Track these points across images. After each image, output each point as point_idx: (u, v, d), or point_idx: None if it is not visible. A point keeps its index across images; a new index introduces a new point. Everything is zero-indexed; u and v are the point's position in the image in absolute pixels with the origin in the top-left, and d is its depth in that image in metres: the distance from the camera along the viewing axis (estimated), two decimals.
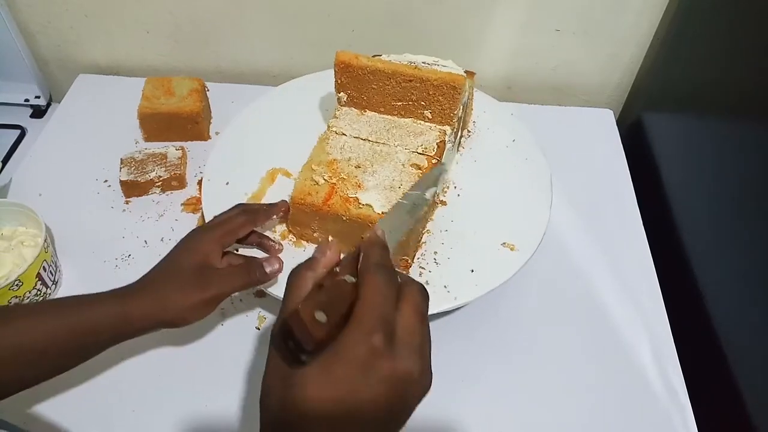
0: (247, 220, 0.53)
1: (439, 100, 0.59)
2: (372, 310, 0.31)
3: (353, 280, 0.33)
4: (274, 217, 0.57)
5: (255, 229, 0.55)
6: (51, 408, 0.56)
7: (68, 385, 0.58)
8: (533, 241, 0.58)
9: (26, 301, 0.60)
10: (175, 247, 0.51)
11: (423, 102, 0.59)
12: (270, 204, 0.58)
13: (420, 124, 0.61)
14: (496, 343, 0.62)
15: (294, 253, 0.58)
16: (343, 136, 0.60)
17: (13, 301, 0.59)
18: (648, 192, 0.76)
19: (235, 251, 0.56)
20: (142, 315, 0.47)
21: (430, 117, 0.60)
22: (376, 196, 0.54)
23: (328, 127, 0.61)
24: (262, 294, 0.65)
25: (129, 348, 0.60)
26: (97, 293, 0.48)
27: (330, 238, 0.57)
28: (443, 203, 0.62)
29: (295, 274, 0.35)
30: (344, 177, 0.56)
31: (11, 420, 0.54)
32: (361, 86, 0.60)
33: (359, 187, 0.55)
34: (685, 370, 0.61)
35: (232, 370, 0.59)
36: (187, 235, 0.52)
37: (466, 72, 0.62)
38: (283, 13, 0.84)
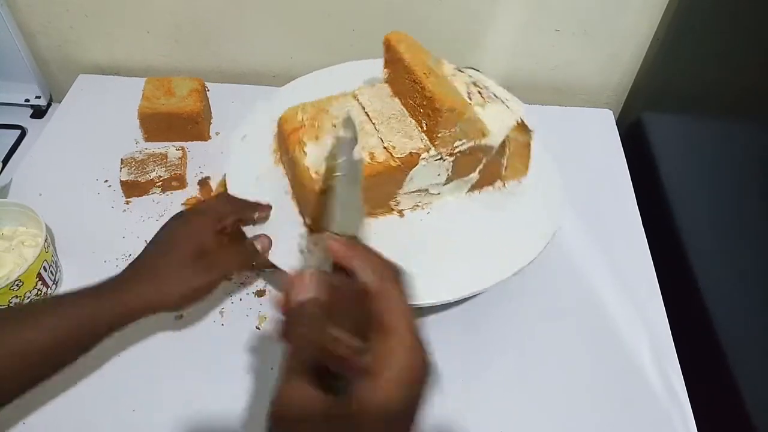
0: (230, 208, 0.54)
1: (428, 114, 0.56)
2: (407, 326, 0.32)
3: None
4: (256, 215, 0.57)
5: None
6: (51, 408, 0.56)
7: (68, 384, 0.58)
8: (523, 261, 0.58)
9: (27, 301, 0.60)
10: (165, 230, 0.51)
11: (421, 109, 0.57)
12: (254, 201, 0.58)
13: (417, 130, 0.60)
14: (496, 342, 0.62)
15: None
16: (354, 101, 0.60)
17: (14, 301, 0.59)
18: (648, 192, 0.76)
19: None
20: (142, 303, 0.47)
21: (425, 128, 0.57)
22: (316, 153, 0.55)
23: (356, 90, 0.62)
24: (262, 293, 0.65)
25: (129, 348, 0.60)
26: (93, 286, 0.47)
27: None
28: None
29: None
30: (315, 125, 0.57)
31: (11, 420, 0.54)
32: (396, 71, 0.60)
33: (316, 138, 0.56)
34: (685, 370, 0.61)
35: (232, 370, 0.59)
36: (177, 219, 0.52)
37: (520, 124, 0.58)
38: (283, 13, 0.84)
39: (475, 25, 0.83)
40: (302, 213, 0.59)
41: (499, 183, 0.63)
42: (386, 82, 0.62)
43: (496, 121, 0.58)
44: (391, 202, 0.60)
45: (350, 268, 0.34)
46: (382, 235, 0.58)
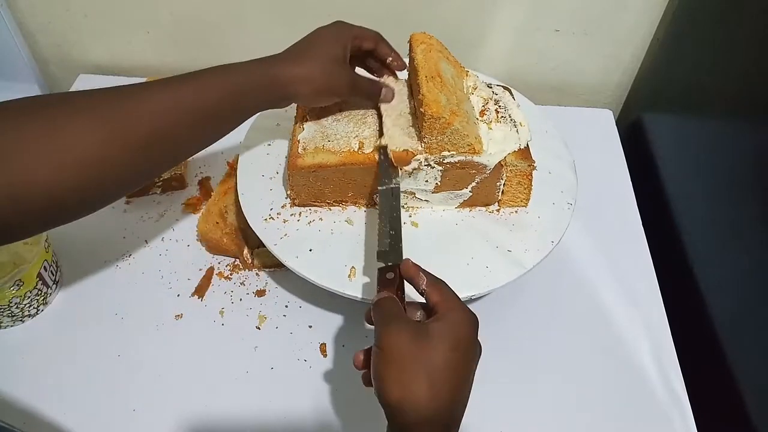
0: (374, 35, 0.58)
1: (420, 117, 0.55)
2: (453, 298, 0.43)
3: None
4: (390, 59, 0.59)
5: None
6: (51, 408, 0.56)
7: (68, 384, 0.58)
8: (536, 256, 0.57)
9: (27, 301, 0.60)
10: (321, 30, 0.55)
11: (416, 112, 0.57)
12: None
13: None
14: (496, 344, 0.62)
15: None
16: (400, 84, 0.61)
17: (14, 301, 0.59)
18: (647, 192, 0.76)
19: None
20: (288, 82, 0.50)
21: (419, 130, 0.56)
22: (312, 130, 0.58)
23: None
24: (262, 293, 0.65)
25: (129, 348, 0.61)
26: (239, 62, 0.50)
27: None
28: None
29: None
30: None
31: (11, 421, 0.54)
32: (412, 69, 0.59)
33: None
34: (685, 370, 0.61)
35: (232, 370, 0.59)
36: (327, 26, 0.56)
37: (521, 152, 0.57)
38: (283, 13, 0.84)
39: (475, 25, 0.83)
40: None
41: (494, 207, 0.61)
42: (407, 79, 0.62)
43: (497, 142, 0.57)
44: (375, 196, 0.59)
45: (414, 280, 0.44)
46: (359, 226, 0.59)
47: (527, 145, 0.58)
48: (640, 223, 0.73)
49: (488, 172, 0.57)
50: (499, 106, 0.60)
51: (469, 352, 0.41)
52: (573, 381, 0.60)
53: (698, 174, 0.68)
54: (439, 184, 0.58)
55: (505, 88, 0.65)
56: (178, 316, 0.63)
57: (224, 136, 0.49)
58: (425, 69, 0.56)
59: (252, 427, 0.56)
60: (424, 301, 0.44)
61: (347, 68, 0.55)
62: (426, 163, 0.56)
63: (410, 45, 0.59)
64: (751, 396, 0.54)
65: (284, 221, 0.58)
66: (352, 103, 0.60)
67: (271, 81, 0.50)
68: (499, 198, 0.61)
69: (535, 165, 0.58)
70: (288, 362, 0.60)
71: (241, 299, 0.64)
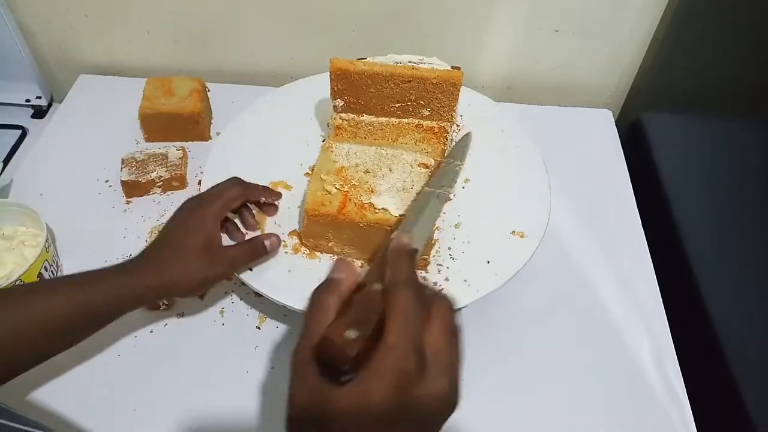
0: (241, 192, 0.55)
1: (438, 98, 0.59)
2: (403, 334, 0.31)
3: (381, 287, 0.33)
4: (263, 199, 0.58)
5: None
6: (51, 408, 0.56)
7: (68, 384, 0.58)
8: (540, 225, 0.59)
9: None
10: (174, 220, 0.52)
11: (422, 101, 0.60)
12: (264, 186, 0.59)
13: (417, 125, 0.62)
14: (496, 343, 0.62)
15: (309, 265, 0.57)
16: (347, 143, 0.60)
17: None
18: (647, 192, 0.76)
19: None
20: (150, 290, 0.49)
21: (428, 114, 0.61)
22: (391, 199, 0.54)
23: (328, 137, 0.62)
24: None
25: (129, 348, 0.61)
26: (103, 269, 0.49)
27: (342, 255, 0.58)
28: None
29: (318, 297, 0.35)
30: (356, 183, 0.56)
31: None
32: (358, 91, 0.60)
33: (372, 192, 0.55)
34: (685, 370, 0.61)
35: (233, 370, 0.59)
36: (186, 208, 0.53)
37: (452, 68, 0.62)
38: (283, 13, 0.84)
39: (475, 25, 0.83)
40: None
41: (454, 126, 0.66)
42: (340, 111, 0.62)
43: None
44: None
45: (390, 264, 0.34)
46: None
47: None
48: (640, 223, 0.73)
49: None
50: (408, 61, 0.62)
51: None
52: (573, 381, 0.60)
53: (698, 174, 0.68)
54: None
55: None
56: (179, 316, 0.63)
57: (79, 342, 0.49)
58: (398, 68, 0.58)
59: (252, 427, 0.56)
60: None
61: (218, 252, 0.52)
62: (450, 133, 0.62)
63: (345, 70, 0.58)
64: (751, 396, 0.54)
65: None
66: (370, 163, 0.58)
67: (133, 294, 0.48)
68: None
69: (459, 67, 0.60)
70: (288, 362, 0.60)
71: (241, 299, 0.65)
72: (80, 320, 0.47)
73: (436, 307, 0.34)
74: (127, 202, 0.73)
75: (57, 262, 0.65)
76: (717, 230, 0.63)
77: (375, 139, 0.63)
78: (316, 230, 0.56)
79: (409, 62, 0.62)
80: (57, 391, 0.57)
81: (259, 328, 0.62)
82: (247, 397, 0.57)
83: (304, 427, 0.32)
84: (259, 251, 0.54)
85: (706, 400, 0.59)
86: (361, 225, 0.54)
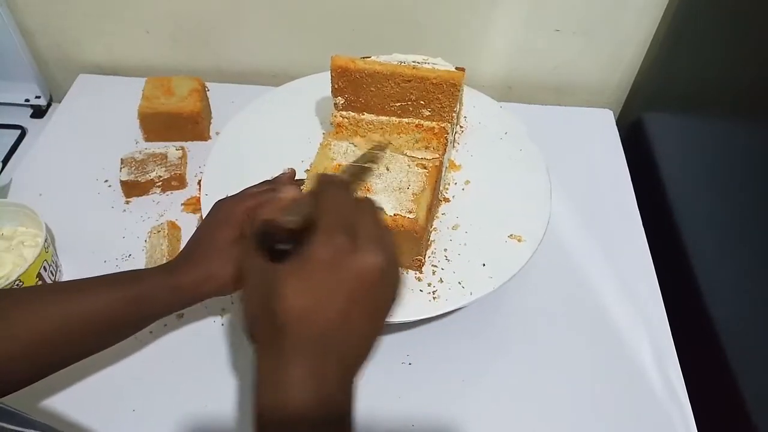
0: (268, 188, 0.55)
1: (438, 98, 0.59)
2: (332, 214, 0.34)
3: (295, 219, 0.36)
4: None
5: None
6: (51, 408, 0.56)
7: (68, 384, 0.58)
8: (538, 230, 0.59)
9: None
10: (208, 218, 0.53)
11: (422, 101, 0.60)
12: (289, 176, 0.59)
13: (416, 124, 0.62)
14: (497, 343, 0.62)
15: None
16: (346, 141, 0.60)
17: None
18: (648, 192, 0.76)
19: None
20: (192, 286, 0.49)
21: (429, 114, 0.61)
22: (386, 198, 0.54)
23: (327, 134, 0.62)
24: None
25: (129, 348, 0.60)
26: (145, 268, 0.50)
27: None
28: (447, 200, 0.63)
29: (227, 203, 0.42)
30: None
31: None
32: (359, 89, 0.60)
33: (368, 190, 0.55)
34: (685, 370, 0.61)
35: (232, 370, 0.59)
36: (218, 206, 0.53)
37: (456, 68, 0.62)
38: (283, 13, 0.84)
39: (475, 25, 0.83)
40: None
41: (458, 127, 0.68)
42: (341, 109, 0.62)
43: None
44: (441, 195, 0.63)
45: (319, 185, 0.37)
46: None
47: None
48: (640, 222, 0.73)
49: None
50: (413, 61, 0.63)
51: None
52: (573, 381, 0.60)
53: (698, 174, 0.68)
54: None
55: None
56: (179, 316, 0.63)
57: (128, 338, 0.51)
58: (399, 68, 0.58)
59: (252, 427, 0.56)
60: None
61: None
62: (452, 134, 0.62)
63: (345, 68, 0.59)
64: (751, 396, 0.54)
65: None
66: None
67: (173, 290, 0.49)
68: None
69: (463, 68, 0.61)
70: None
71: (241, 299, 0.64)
72: (123, 317, 0.48)
73: (364, 204, 0.37)
74: (127, 202, 0.73)
75: (56, 262, 0.64)
76: (717, 230, 0.63)
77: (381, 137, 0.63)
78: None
79: (414, 62, 0.62)
80: (57, 391, 0.57)
81: None
82: (246, 397, 0.57)
83: (254, 301, 0.35)
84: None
85: (706, 400, 0.59)
86: None
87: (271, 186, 0.56)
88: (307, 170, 0.64)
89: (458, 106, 0.63)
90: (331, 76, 0.59)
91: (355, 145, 0.60)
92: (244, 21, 0.85)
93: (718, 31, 0.66)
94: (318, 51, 0.86)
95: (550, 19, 0.82)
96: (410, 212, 0.53)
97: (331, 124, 0.63)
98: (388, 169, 0.57)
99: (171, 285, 0.49)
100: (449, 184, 0.64)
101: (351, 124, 0.63)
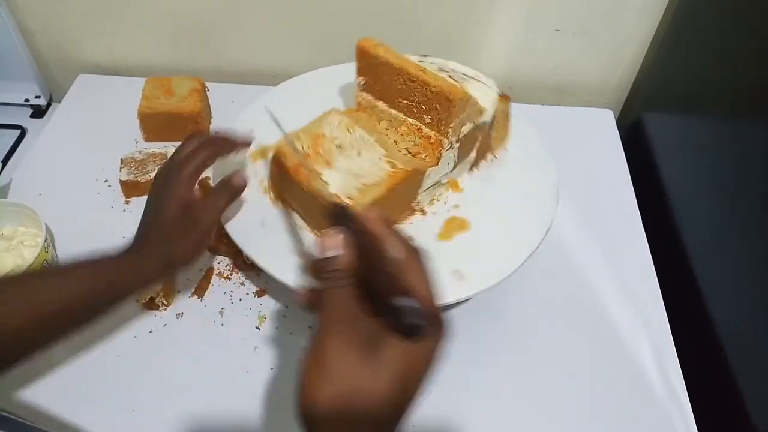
0: (210, 153, 0.54)
1: (436, 108, 0.57)
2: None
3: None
4: (235, 152, 0.57)
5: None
6: (51, 408, 0.56)
7: (68, 384, 0.58)
8: (538, 234, 0.59)
9: None
10: (150, 198, 0.53)
11: (423, 106, 0.58)
12: (233, 138, 0.57)
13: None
14: (497, 344, 0.62)
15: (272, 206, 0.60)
16: (343, 116, 0.60)
17: None
18: (648, 192, 0.76)
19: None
20: (151, 268, 0.50)
21: (429, 122, 0.59)
22: (338, 177, 0.55)
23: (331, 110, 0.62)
24: (262, 293, 0.65)
25: (129, 348, 0.60)
26: (106, 254, 0.50)
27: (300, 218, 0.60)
28: (422, 212, 0.62)
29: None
30: (320, 152, 0.57)
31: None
32: (375, 75, 0.60)
33: (328, 164, 0.56)
34: (685, 370, 0.61)
35: (233, 370, 0.59)
36: (156, 181, 0.53)
37: (501, 95, 0.60)
38: (283, 13, 0.84)
39: (474, 25, 0.83)
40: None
41: (489, 155, 0.66)
42: (362, 90, 0.62)
43: (483, 97, 0.59)
44: (413, 204, 0.61)
45: (380, 240, 0.35)
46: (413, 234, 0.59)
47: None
48: (640, 222, 0.73)
49: (486, 127, 0.60)
50: (447, 71, 0.61)
51: (414, 386, 0.35)
52: (573, 381, 0.60)
53: (698, 174, 0.68)
54: (456, 160, 0.61)
55: (427, 56, 0.65)
56: (179, 316, 0.63)
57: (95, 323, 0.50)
58: (411, 66, 0.57)
59: (252, 427, 0.56)
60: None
61: (196, 209, 0.52)
62: (449, 148, 0.58)
63: (365, 52, 0.59)
64: (751, 396, 0.54)
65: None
66: (347, 141, 0.59)
67: (143, 273, 0.50)
68: (492, 144, 0.65)
69: (510, 96, 0.61)
70: (288, 362, 0.60)
71: (241, 299, 0.64)
72: (87, 305, 0.48)
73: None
74: (127, 202, 0.73)
75: (56, 261, 0.64)
76: (718, 230, 0.63)
77: (385, 128, 0.62)
78: (277, 181, 0.59)
79: (463, 75, 0.60)
80: (57, 392, 0.57)
81: (258, 329, 0.62)
82: (246, 397, 0.57)
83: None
84: (234, 188, 0.55)
85: (706, 401, 0.59)
86: (304, 188, 0.55)
87: (207, 147, 0.54)
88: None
89: (474, 129, 0.60)
90: (356, 56, 0.60)
91: (349, 131, 0.60)
92: (244, 21, 0.85)
93: (718, 31, 0.66)
94: (318, 51, 0.87)
95: (550, 19, 0.82)
96: (349, 198, 0.53)
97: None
98: (359, 154, 0.57)
99: (135, 269, 0.49)
100: (436, 200, 0.63)
101: (368, 106, 0.63)
